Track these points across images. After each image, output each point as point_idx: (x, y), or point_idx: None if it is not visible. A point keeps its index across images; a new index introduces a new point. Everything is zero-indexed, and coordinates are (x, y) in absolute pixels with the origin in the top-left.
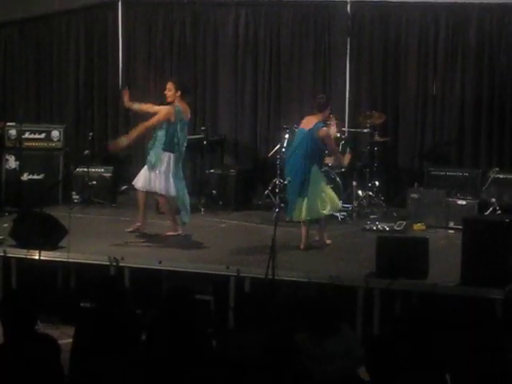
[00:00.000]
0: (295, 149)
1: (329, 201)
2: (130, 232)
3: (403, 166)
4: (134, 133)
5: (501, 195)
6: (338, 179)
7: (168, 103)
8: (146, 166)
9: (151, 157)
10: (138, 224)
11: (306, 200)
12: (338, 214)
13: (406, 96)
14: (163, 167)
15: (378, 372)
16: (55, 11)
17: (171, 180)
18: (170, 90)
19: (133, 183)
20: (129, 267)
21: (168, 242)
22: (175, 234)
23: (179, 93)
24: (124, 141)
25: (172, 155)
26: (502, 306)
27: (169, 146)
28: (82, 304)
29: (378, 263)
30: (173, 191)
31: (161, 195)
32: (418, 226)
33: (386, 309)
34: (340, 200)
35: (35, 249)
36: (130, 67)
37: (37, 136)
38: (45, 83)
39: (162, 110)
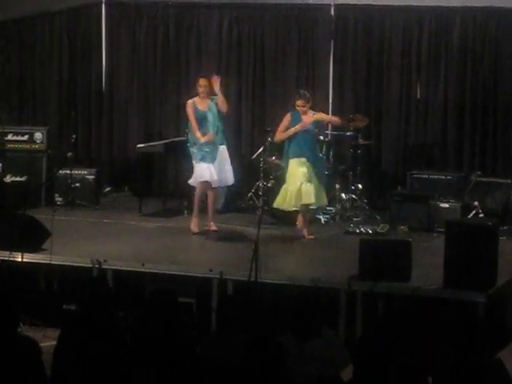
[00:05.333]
0: None
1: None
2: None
3: (386, 169)
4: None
5: (483, 198)
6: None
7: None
8: (210, 162)
9: (219, 152)
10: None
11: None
12: (321, 217)
13: (389, 99)
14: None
15: (363, 372)
16: (38, 13)
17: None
18: (206, 86)
19: (203, 179)
20: (112, 269)
21: (151, 243)
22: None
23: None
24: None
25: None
26: (484, 309)
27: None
28: (64, 306)
29: (361, 266)
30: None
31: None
32: (400, 229)
33: (369, 311)
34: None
35: (18, 251)
36: (114, 69)
37: (20, 138)
38: (28, 85)
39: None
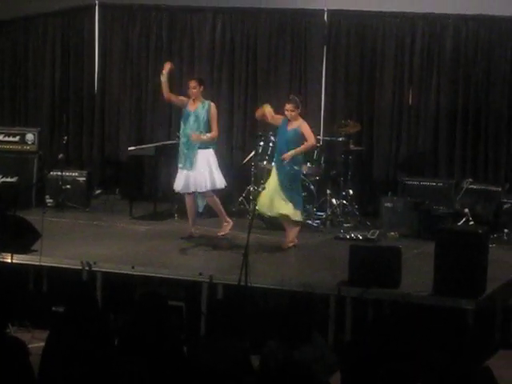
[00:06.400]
0: None
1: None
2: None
3: (377, 175)
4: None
5: (474, 206)
6: (311, 187)
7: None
8: (185, 169)
9: (192, 157)
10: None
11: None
12: (311, 222)
13: (381, 105)
14: (212, 164)
15: (352, 378)
16: (32, 14)
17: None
18: (195, 88)
19: (176, 190)
20: (101, 272)
21: (141, 246)
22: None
23: (202, 88)
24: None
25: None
26: (474, 316)
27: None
28: (53, 308)
29: (351, 272)
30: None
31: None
32: (391, 236)
33: (358, 317)
34: (314, 208)
35: (7, 252)
36: (106, 71)
37: (11, 139)
38: (20, 86)
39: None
